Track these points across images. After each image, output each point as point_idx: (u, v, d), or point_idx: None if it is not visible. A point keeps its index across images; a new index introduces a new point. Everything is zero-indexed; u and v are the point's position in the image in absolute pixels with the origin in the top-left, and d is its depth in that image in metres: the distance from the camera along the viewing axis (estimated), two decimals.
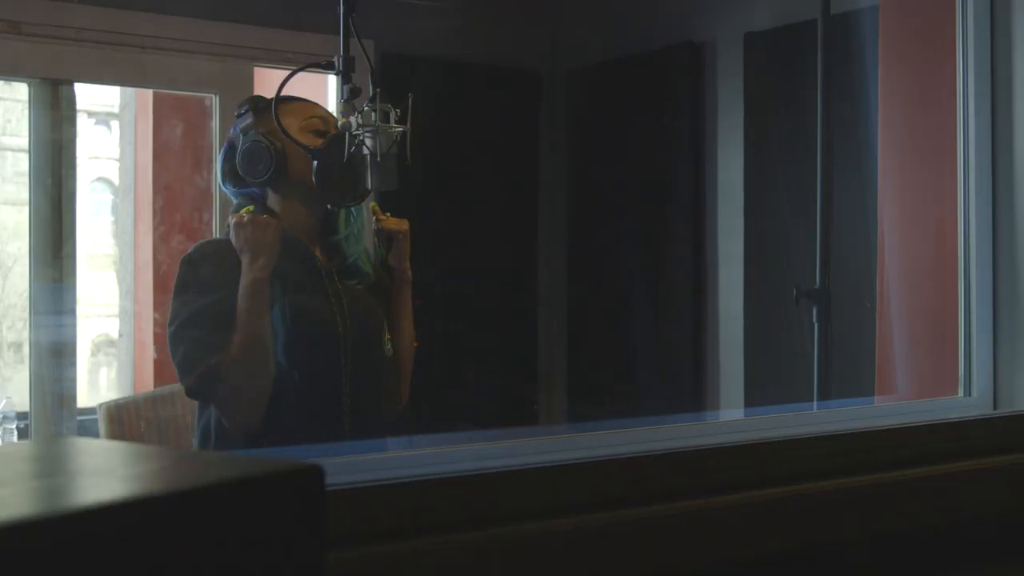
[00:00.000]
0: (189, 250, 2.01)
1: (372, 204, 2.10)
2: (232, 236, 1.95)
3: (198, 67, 3.37)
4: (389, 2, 3.41)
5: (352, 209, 2.06)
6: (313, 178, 1.97)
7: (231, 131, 2.06)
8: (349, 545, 1.21)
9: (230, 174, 2.03)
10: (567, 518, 1.37)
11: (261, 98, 2.08)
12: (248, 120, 2.02)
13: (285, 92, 1.99)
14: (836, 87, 2.57)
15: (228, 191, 2.06)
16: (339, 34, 1.94)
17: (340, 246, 2.04)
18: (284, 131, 1.95)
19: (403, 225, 2.09)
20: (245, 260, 1.92)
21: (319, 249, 2.03)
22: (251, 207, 1.99)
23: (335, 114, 2.04)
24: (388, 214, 2.10)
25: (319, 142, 1.98)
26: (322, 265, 2.02)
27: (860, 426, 1.77)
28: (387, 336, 2.06)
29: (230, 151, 2.03)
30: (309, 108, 2.05)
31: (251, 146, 1.99)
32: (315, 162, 1.96)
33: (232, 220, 1.97)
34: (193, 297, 1.93)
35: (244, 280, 1.91)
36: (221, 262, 1.96)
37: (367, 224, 2.12)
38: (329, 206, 2.04)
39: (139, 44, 3.20)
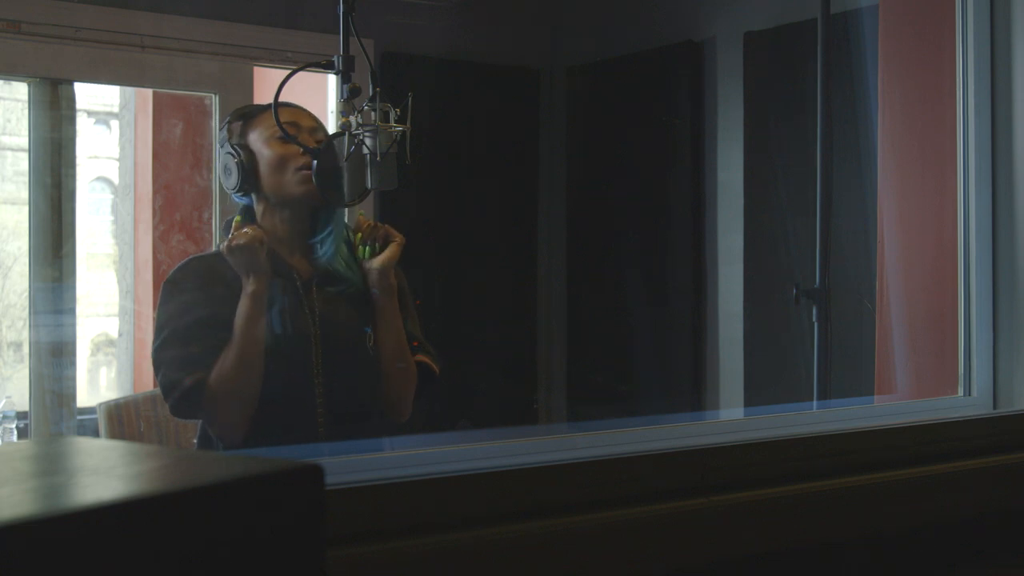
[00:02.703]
0: (170, 272, 2.03)
1: (359, 214, 2.10)
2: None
3: (198, 67, 3.37)
4: (389, 2, 3.40)
5: (327, 214, 2.05)
6: (312, 178, 1.97)
7: None
8: (349, 545, 1.21)
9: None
10: (567, 518, 1.37)
11: (239, 109, 2.10)
12: (224, 133, 2.05)
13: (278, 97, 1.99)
14: (836, 87, 2.56)
15: (235, 198, 2.09)
16: (339, 33, 1.94)
17: (315, 250, 2.04)
18: (285, 132, 1.96)
19: (399, 236, 2.06)
20: (243, 280, 1.94)
21: (300, 257, 2.03)
22: (239, 218, 2.02)
23: (335, 114, 2.04)
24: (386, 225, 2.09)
25: (287, 149, 1.98)
26: (299, 274, 2.02)
27: (860, 426, 1.77)
28: (370, 344, 2.05)
29: None
30: (283, 114, 2.01)
31: (223, 159, 2.04)
32: (315, 162, 1.96)
33: (223, 244, 1.97)
34: (171, 318, 1.95)
35: (242, 297, 1.93)
36: (201, 281, 1.99)
37: (341, 229, 2.09)
38: (338, 206, 2.05)
39: (139, 44, 3.19)
